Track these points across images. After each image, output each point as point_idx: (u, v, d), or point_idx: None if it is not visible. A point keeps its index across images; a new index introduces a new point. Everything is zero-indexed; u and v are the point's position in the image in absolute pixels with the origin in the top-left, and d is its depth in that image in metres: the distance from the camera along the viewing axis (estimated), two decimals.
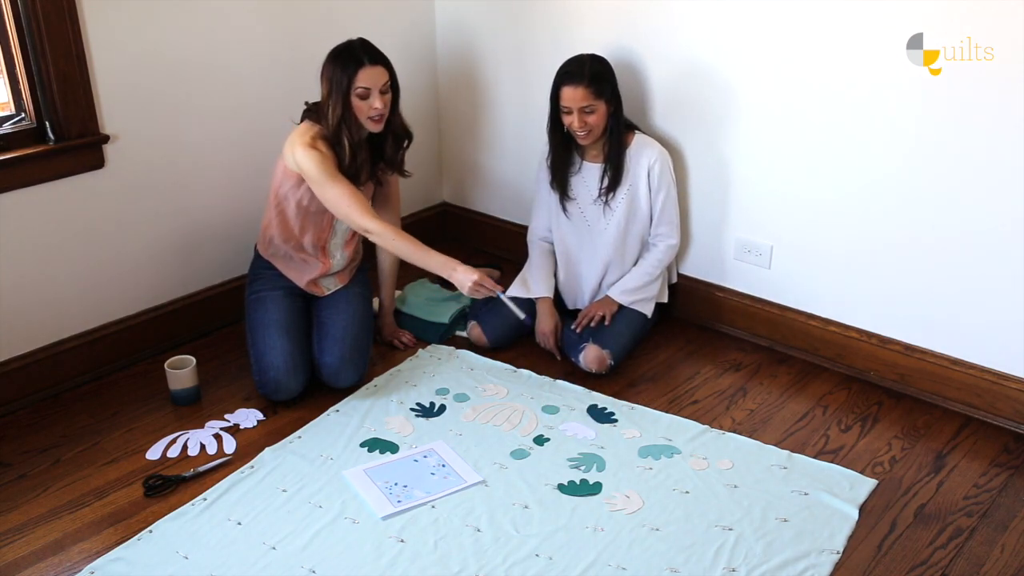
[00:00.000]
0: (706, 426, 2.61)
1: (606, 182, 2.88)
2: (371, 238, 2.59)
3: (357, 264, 2.94)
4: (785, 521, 2.24)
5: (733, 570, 2.09)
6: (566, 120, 2.79)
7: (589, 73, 2.72)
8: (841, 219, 2.75)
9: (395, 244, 2.58)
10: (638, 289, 2.96)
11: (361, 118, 2.56)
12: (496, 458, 2.47)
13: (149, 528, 2.23)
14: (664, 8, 2.88)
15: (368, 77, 2.52)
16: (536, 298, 3.02)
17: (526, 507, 2.29)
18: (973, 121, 2.42)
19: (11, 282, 2.63)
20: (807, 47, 2.64)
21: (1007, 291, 2.51)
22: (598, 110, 2.75)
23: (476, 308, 3.12)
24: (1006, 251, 2.48)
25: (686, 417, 2.65)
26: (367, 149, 2.68)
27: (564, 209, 2.98)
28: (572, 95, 2.73)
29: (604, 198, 2.90)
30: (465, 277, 2.53)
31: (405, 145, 2.77)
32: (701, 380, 2.87)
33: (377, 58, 2.55)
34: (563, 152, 2.92)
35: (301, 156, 2.55)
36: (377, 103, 2.53)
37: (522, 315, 2.63)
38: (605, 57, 2.81)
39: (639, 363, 2.95)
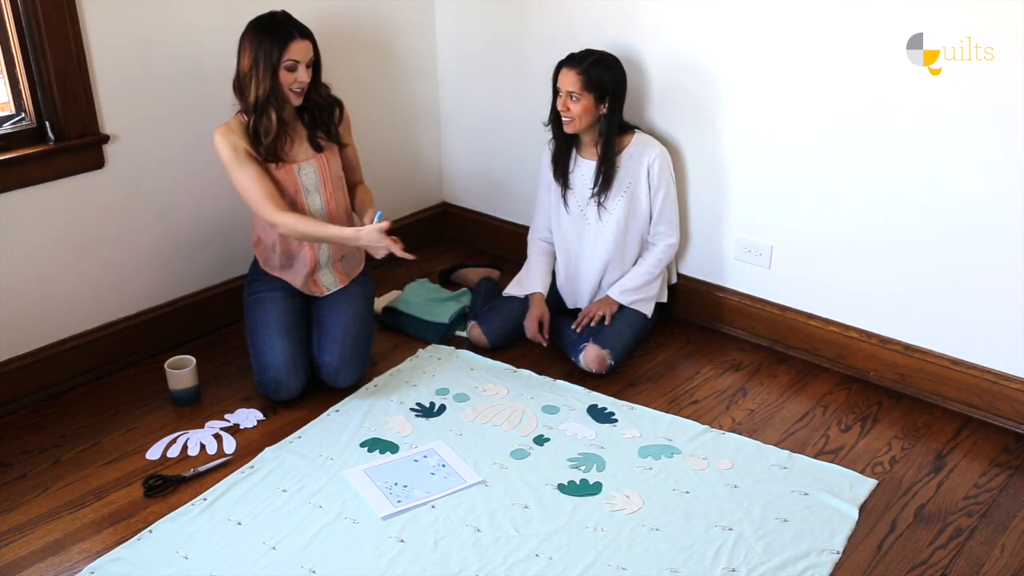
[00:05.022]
0: (706, 426, 2.61)
1: (598, 184, 2.88)
2: (277, 230, 2.64)
3: (358, 267, 2.93)
4: (785, 521, 2.24)
5: (733, 570, 2.09)
6: (557, 103, 2.81)
7: (588, 63, 2.74)
8: (841, 219, 2.75)
9: (299, 231, 2.62)
10: (638, 289, 2.97)
11: (284, 90, 2.58)
12: (496, 458, 2.47)
13: (149, 528, 2.23)
14: (664, 7, 2.88)
15: (298, 51, 2.53)
16: (528, 294, 3.03)
17: (526, 507, 2.29)
18: (973, 121, 2.42)
19: (11, 282, 2.63)
20: (807, 47, 2.64)
21: (1007, 291, 2.51)
22: (583, 101, 2.75)
23: (476, 308, 3.12)
24: (1006, 251, 2.48)
25: (686, 417, 2.65)
26: (300, 121, 2.70)
27: (565, 203, 2.99)
28: (565, 76, 2.77)
29: (597, 199, 2.91)
30: (368, 238, 2.56)
31: (337, 115, 2.77)
32: (701, 380, 2.87)
33: (305, 32, 2.58)
34: (562, 143, 2.92)
35: (216, 142, 2.61)
36: (303, 76, 2.56)
37: None
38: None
39: (639, 363, 2.95)
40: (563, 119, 2.81)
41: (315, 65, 2.62)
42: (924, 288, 2.66)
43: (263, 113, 2.58)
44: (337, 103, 2.76)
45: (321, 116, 2.71)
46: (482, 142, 3.61)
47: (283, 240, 2.74)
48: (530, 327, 2.97)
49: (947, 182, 2.52)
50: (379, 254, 2.61)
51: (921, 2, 2.39)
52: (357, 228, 2.60)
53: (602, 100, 2.78)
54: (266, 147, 2.61)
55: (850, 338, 2.85)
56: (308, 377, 2.73)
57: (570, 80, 2.75)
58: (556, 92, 2.82)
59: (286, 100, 2.60)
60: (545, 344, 2.97)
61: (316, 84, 2.66)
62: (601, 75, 2.75)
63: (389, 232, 2.57)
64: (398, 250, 2.55)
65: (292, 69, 2.54)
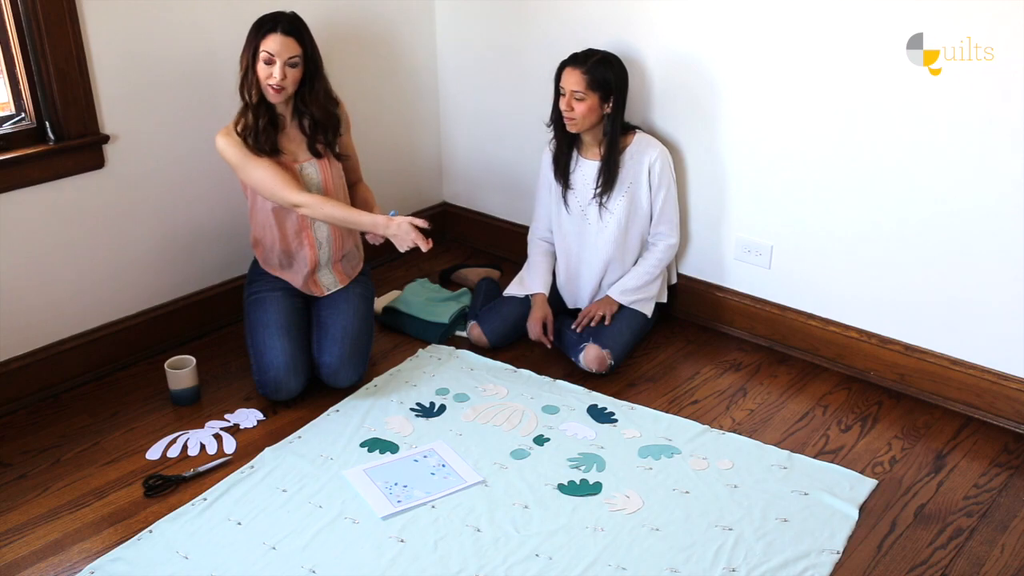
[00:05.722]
0: (706, 426, 2.60)
1: (600, 184, 2.88)
2: (301, 211, 2.63)
3: (358, 267, 2.93)
4: (785, 521, 2.24)
5: (733, 570, 2.09)
6: (561, 103, 2.81)
7: (592, 62, 2.74)
8: (841, 219, 2.75)
9: (326, 212, 2.62)
10: (638, 289, 2.97)
11: (262, 84, 2.57)
12: (496, 458, 2.47)
13: (149, 528, 2.23)
14: (663, 7, 2.88)
15: (274, 44, 2.52)
16: (530, 294, 3.03)
17: (526, 507, 2.29)
18: (973, 121, 2.42)
19: (11, 282, 2.63)
20: (808, 48, 2.64)
21: (1007, 291, 2.51)
22: (587, 101, 2.75)
23: (476, 308, 3.12)
24: (1006, 251, 2.48)
25: (686, 417, 2.65)
26: (299, 125, 2.69)
27: (566, 203, 2.98)
28: (569, 76, 2.76)
29: (599, 200, 2.91)
30: (399, 229, 2.57)
31: (340, 130, 2.76)
32: (701, 380, 2.87)
33: (292, 30, 2.55)
34: (564, 143, 2.92)
35: (220, 145, 2.61)
36: (278, 73, 2.53)
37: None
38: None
39: (639, 363, 2.95)
40: (566, 119, 2.81)
41: (306, 70, 2.60)
42: (924, 288, 2.66)
43: (241, 98, 2.60)
44: (340, 120, 2.74)
45: (324, 126, 2.70)
46: (482, 142, 3.61)
47: (283, 240, 2.74)
48: (534, 329, 2.97)
49: (947, 182, 2.51)
50: (404, 247, 2.60)
51: (921, 2, 2.39)
52: (388, 217, 2.60)
53: (606, 99, 2.78)
54: (251, 135, 2.60)
55: (850, 338, 2.85)
56: (308, 377, 2.73)
57: (574, 79, 2.75)
58: (559, 92, 2.82)
59: (264, 94, 2.59)
60: (549, 346, 2.97)
61: (311, 90, 2.64)
62: (605, 74, 2.75)
63: (422, 231, 2.58)
64: (425, 246, 2.56)
65: (268, 62, 2.53)
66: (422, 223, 2.57)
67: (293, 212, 2.70)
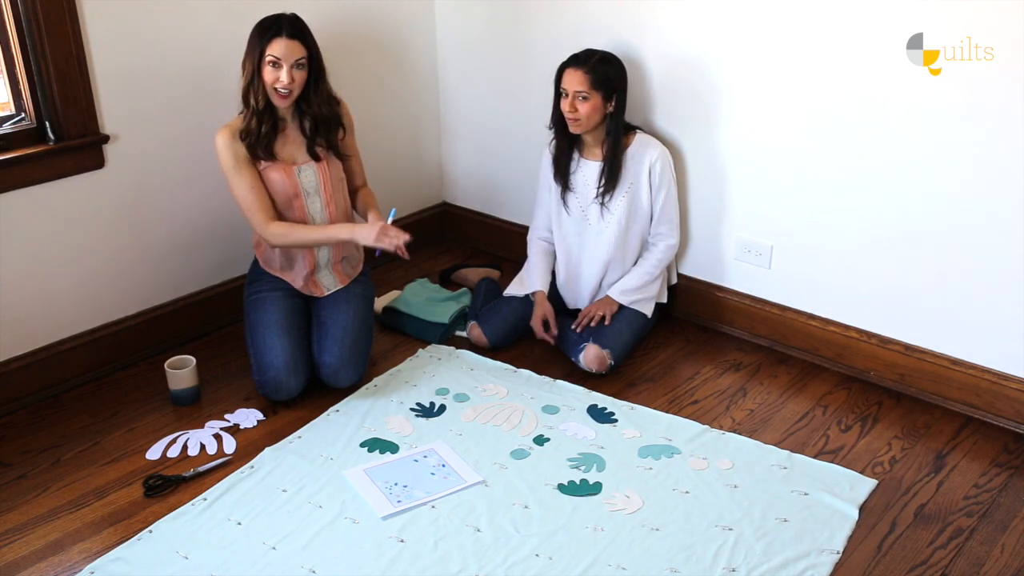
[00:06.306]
0: (706, 426, 2.61)
1: (603, 184, 2.88)
2: (272, 242, 2.68)
3: (358, 267, 2.93)
4: (785, 521, 2.24)
5: (733, 570, 2.09)
6: (562, 105, 2.80)
7: (593, 62, 2.74)
8: (841, 219, 2.75)
9: (294, 239, 2.67)
10: (638, 289, 2.97)
11: (268, 89, 2.57)
12: (496, 458, 2.47)
13: (149, 528, 2.23)
14: (664, 7, 2.88)
15: (280, 48, 2.52)
16: (531, 293, 3.03)
17: (526, 507, 2.29)
18: (973, 121, 2.42)
19: (11, 282, 2.63)
20: (808, 47, 2.64)
21: (1007, 291, 2.51)
22: (591, 100, 2.75)
23: (476, 308, 3.12)
24: (1006, 251, 2.48)
25: (686, 417, 2.65)
26: (300, 126, 2.70)
27: (565, 203, 2.98)
28: (571, 77, 2.76)
29: (601, 199, 2.90)
30: (369, 232, 2.62)
31: (341, 134, 2.76)
32: (701, 380, 2.87)
33: (296, 33, 2.55)
34: (565, 145, 2.92)
35: (218, 145, 2.63)
36: (285, 76, 2.54)
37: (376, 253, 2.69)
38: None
39: (639, 363, 2.95)
40: (570, 120, 2.80)
41: (311, 72, 2.61)
42: (924, 288, 2.66)
43: (246, 104, 2.60)
44: (340, 123, 2.75)
45: (325, 127, 2.71)
46: (482, 142, 3.61)
47: None
48: (537, 327, 2.97)
49: (947, 182, 2.52)
50: (371, 241, 2.63)
51: (921, 2, 2.39)
52: (352, 224, 2.63)
53: (609, 98, 2.78)
54: (251, 141, 2.61)
55: (850, 338, 2.85)
56: (308, 377, 2.73)
57: (577, 80, 2.74)
58: (559, 94, 2.81)
59: (268, 97, 2.59)
60: (553, 342, 2.97)
61: (315, 91, 2.64)
62: (607, 72, 2.75)
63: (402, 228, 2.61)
64: (404, 242, 2.60)
65: (275, 66, 2.54)
66: (393, 229, 2.62)
67: (295, 213, 2.71)
